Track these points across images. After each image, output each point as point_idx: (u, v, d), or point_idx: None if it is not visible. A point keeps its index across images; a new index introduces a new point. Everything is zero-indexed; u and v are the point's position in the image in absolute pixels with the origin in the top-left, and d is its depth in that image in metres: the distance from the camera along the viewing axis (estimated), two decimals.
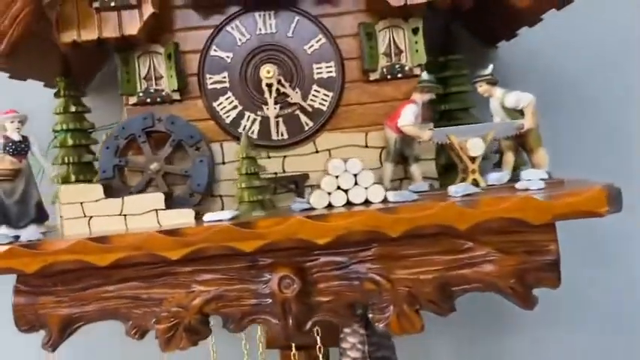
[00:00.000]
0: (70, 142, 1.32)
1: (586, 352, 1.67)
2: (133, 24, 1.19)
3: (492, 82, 1.21)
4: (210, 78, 1.28)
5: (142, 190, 1.21)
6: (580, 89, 1.61)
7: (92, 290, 1.12)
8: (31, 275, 1.08)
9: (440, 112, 1.44)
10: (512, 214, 1.03)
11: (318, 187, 1.15)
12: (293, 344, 1.27)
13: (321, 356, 1.23)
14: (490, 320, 1.66)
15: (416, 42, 1.26)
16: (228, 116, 1.28)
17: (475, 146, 1.17)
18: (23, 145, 1.15)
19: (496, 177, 1.18)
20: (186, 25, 1.28)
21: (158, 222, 1.13)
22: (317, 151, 1.28)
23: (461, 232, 1.04)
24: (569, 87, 1.61)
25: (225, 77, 1.28)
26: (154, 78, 1.28)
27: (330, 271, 1.11)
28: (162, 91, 1.27)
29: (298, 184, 1.26)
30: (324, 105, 1.28)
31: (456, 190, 1.11)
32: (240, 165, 1.15)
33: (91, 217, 1.13)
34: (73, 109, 1.33)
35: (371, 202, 1.14)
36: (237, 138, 1.25)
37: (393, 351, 1.30)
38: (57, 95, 1.34)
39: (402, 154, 1.23)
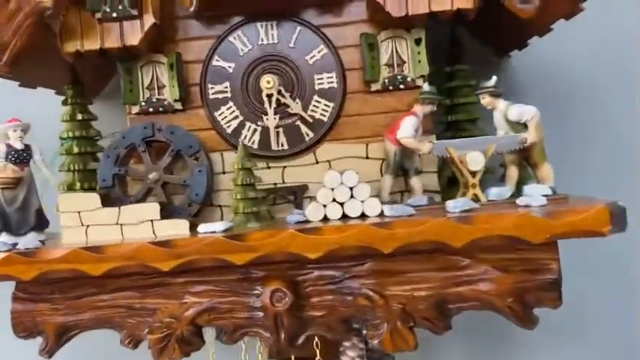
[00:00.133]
0: (75, 149, 1.33)
1: None
2: (134, 34, 1.20)
3: (496, 94, 1.18)
4: (212, 88, 1.28)
5: (141, 200, 1.21)
6: (591, 98, 1.57)
7: (87, 299, 1.13)
8: (29, 282, 1.10)
9: (446, 124, 1.41)
10: (509, 232, 1.00)
11: (315, 199, 1.14)
12: (292, 356, 1.26)
13: None
14: (495, 331, 1.62)
15: (418, 53, 1.24)
16: (229, 126, 1.28)
17: (475, 160, 1.14)
18: (25, 154, 1.17)
19: (497, 192, 1.15)
20: (189, 36, 1.29)
21: (153, 232, 1.13)
22: (317, 162, 1.27)
23: (457, 249, 1.02)
24: (581, 96, 1.56)
25: (226, 87, 1.28)
26: (156, 87, 1.29)
27: (323, 285, 1.10)
28: (165, 100, 1.28)
29: (297, 196, 1.25)
30: (324, 116, 1.26)
31: (454, 205, 1.08)
32: (236, 176, 1.14)
33: (88, 226, 1.14)
34: (79, 116, 1.35)
35: (367, 216, 1.12)
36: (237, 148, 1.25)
37: None
38: (64, 103, 1.36)
39: (403, 167, 1.21)
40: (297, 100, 1.26)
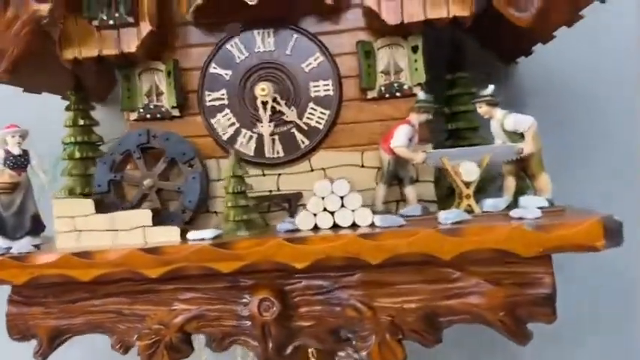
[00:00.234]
0: (77, 154, 1.35)
1: None
2: (131, 42, 1.21)
3: (492, 104, 1.16)
4: (209, 95, 1.28)
5: (136, 206, 1.22)
6: (593, 107, 1.53)
7: (79, 303, 1.14)
8: (24, 286, 1.12)
9: (447, 132, 1.39)
10: (499, 245, 0.98)
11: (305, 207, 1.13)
12: None
13: None
14: (487, 345, 1.58)
15: (415, 60, 1.23)
16: (225, 133, 1.28)
17: (469, 171, 1.12)
18: (23, 159, 1.19)
19: (492, 203, 1.13)
20: (187, 43, 1.29)
21: (145, 238, 1.14)
22: (312, 170, 1.26)
23: (446, 261, 1.00)
24: (583, 104, 1.53)
25: (223, 94, 1.28)
26: (155, 94, 1.30)
27: (312, 295, 1.09)
28: (162, 107, 1.29)
29: (291, 203, 1.24)
30: (320, 123, 1.26)
31: (446, 216, 1.06)
32: (227, 183, 1.14)
33: (81, 231, 1.15)
34: (81, 122, 1.37)
35: (358, 226, 1.11)
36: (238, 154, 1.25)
37: None
38: (67, 109, 1.38)
39: (397, 176, 1.20)
40: (293, 108, 1.25)
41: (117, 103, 1.58)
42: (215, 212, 1.28)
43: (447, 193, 1.28)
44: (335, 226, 1.12)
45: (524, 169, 1.16)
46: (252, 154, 1.27)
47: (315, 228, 1.12)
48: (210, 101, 1.28)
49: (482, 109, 1.17)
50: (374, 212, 1.15)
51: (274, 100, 1.23)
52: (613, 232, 0.96)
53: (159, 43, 1.27)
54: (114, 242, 1.13)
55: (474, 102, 1.18)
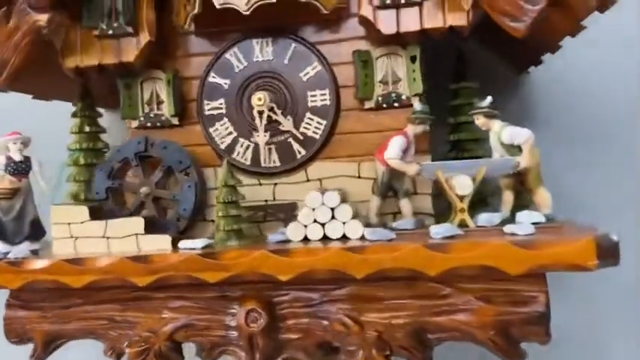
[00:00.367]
0: (82, 161, 1.37)
1: None
2: (130, 51, 1.23)
3: (490, 115, 1.13)
4: (207, 104, 1.29)
5: (133, 213, 1.23)
6: (604, 117, 1.48)
7: (73, 309, 1.16)
8: (21, 290, 1.14)
9: (451, 143, 1.37)
10: (485, 262, 0.95)
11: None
12: None
13: None
14: None
15: (413, 70, 1.21)
16: (223, 142, 1.28)
17: (462, 184, 1.09)
18: (24, 166, 1.22)
19: (486, 218, 1.10)
20: (188, 52, 1.31)
21: (137, 246, 1.15)
22: (308, 180, 1.25)
23: (434, 277, 0.98)
24: (592, 114, 1.48)
25: (222, 104, 1.28)
26: (155, 103, 1.31)
27: (299, 307, 1.08)
28: (162, 116, 1.30)
29: (286, 214, 1.24)
30: (317, 133, 1.25)
31: (437, 231, 1.04)
32: (219, 193, 1.14)
33: (76, 238, 1.17)
34: (87, 129, 1.39)
35: (348, 238, 1.10)
36: (230, 164, 1.25)
37: None
38: (73, 115, 1.41)
39: (392, 188, 1.18)
40: (289, 117, 1.24)
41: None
42: (212, 221, 1.28)
43: (447, 206, 1.25)
44: (325, 238, 1.10)
45: (522, 183, 1.13)
46: (248, 163, 1.27)
47: (306, 239, 1.11)
48: (209, 110, 1.29)
49: (479, 120, 1.14)
50: (368, 225, 1.14)
51: (271, 109, 1.23)
52: (607, 252, 0.92)
53: (160, 52, 1.28)
54: (108, 249, 1.15)
55: (471, 113, 1.15)
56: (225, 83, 1.28)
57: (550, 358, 1.22)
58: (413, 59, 1.21)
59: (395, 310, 1.05)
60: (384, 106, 1.22)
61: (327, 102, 1.24)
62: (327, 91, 1.24)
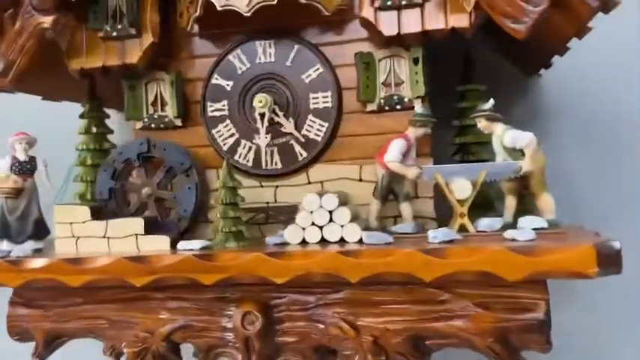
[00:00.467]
0: (88, 161, 1.39)
1: None
2: (134, 53, 1.24)
3: (492, 119, 1.11)
4: (211, 106, 1.29)
5: (135, 214, 1.24)
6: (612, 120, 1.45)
7: (73, 308, 1.17)
8: (24, 288, 1.15)
9: (456, 146, 1.35)
10: (482, 268, 0.93)
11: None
12: None
13: None
14: None
15: (416, 73, 1.19)
16: (225, 144, 1.28)
17: (462, 188, 1.07)
18: (29, 166, 1.23)
19: (487, 223, 1.07)
20: (192, 54, 1.31)
21: (137, 246, 1.15)
22: (309, 183, 1.25)
23: (430, 282, 0.96)
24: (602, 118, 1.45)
25: (224, 105, 1.28)
26: (159, 104, 1.32)
27: (296, 310, 1.08)
28: (166, 117, 1.31)
29: (288, 216, 1.23)
30: (319, 135, 1.24)
31: (434, 235, 1.02)
32: (219, 195, 1.14)
33: (78, 237, 1.18)
34: (94, 129, 1.41)
35: (346, 241, 1.09)
36: (233, 166, 1.25)
37: None
38: (81, 116, 1.42)
39: (393, 191, 1.16)
40: (291, 119, 1.24)
41: None
42: (213, 222, 1.28)
43: (450, 210, 1.23)
44: (323, 241, 1.10)
45: (526, 188, 1.10)
46: (250, 165, 1.27)
47: (304, 242, 1.10)
48: (212, 112, 1.29)
49: (481, 123, 1.12)
50: (368, 228, 1.13)
51: (273, 111, 1.22)
52: (609, 259, 0.90)
53: (163, 53, 1.29)
54: (109, 249, 1.15)
55: (473, 116, 1.13)
56: (228, 85, 1.28)
57: None
58: (415, 61, 1.19)
59: (391, 315, 1.03)
60: (387, 108, 1.21)
61: (329, 104, 1.23)
62: (329, 94, 1.23)
